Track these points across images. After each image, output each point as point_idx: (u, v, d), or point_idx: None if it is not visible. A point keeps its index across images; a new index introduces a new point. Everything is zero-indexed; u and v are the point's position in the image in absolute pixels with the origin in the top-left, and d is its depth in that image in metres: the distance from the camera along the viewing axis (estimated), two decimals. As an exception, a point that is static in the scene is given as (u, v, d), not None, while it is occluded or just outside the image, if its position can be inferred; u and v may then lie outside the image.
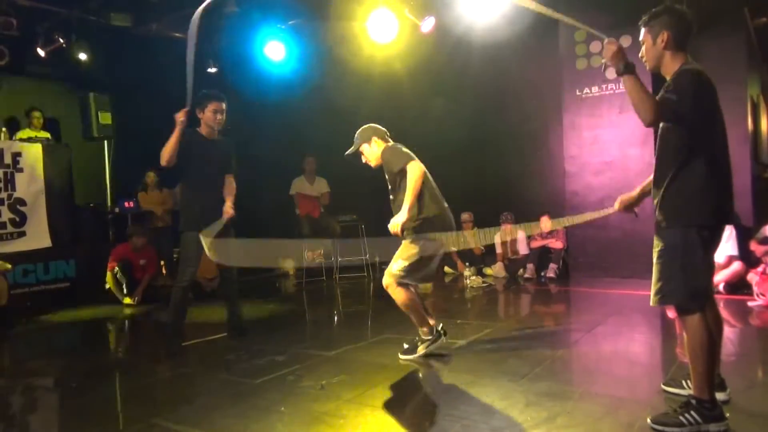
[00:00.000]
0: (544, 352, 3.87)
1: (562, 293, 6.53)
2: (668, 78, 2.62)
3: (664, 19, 2.64)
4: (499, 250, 7.75)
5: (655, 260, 2.60)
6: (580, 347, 4.20)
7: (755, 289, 5.12)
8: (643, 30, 2.73)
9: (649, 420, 2.59)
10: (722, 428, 2.48)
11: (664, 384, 3.07)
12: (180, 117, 4.21)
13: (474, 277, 7.04)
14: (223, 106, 4.41)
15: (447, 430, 2.64)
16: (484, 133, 8.11)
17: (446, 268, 8.07)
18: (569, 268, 7.33)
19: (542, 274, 7.29)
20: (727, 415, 2.51)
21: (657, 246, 2.60)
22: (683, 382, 2.91)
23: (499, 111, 8.05)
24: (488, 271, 7.69)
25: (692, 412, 2.49)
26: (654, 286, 2.59)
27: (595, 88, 7.08)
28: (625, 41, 6.85)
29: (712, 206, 2.50)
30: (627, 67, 2.53)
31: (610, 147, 7.04)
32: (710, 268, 2.63)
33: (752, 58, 6.89)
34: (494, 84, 7.93)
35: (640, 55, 2.80)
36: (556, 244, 7.30)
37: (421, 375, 3.51)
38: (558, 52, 7.34)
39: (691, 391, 2.62)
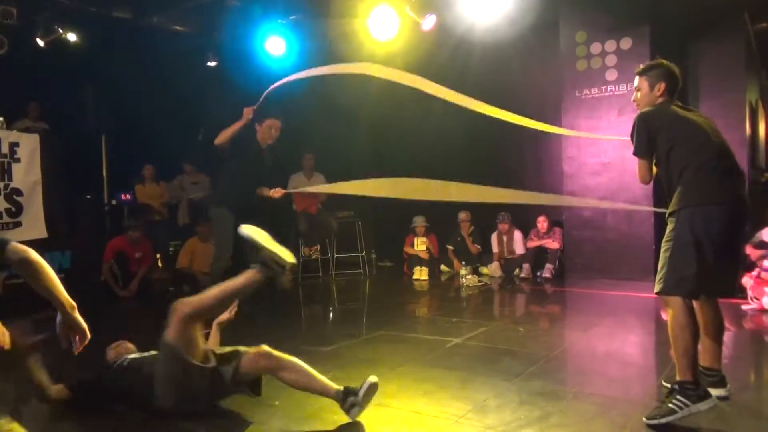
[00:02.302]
0: (538, 352, 3.88)
1: (557, 293, 6.55)
2: None
3: (661, 71, 2.97)
4: (495, 249, 7.76)
5: (662, 246, 2.82)
6: (575, 347, 4.22)
7: (749, 292, 5.14)
8: (639, 78, 3.04)
9: (644, 419, 2.62)
10: (712, 404, 2.57)
11: (664, 380, 3.12)
12: (248, 113, 4.62)
13: (470, 276, 7.04)
14: (279, 124, 4.84)
15: (441, 428, 2.65)
16: (482, 132, 8.08)
17: (443, 267, 8.08)
18: (565, 268, 7.35)
19: (538, 274, 7.31)
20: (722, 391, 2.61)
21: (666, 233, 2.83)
22: None
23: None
24: (484, 270, 7.70)
25: (679, 397, 2.58)
26: (657, 275, 2.78)
27: (594, 90, 7.09)
28: (626, 44, 6.87)
29: (700, 203, 2.67)
30: None
31: (608, 148, 7.06)
32: (704, 263, 2.62)
33: (751, 63, 6.91)
34: (494, 83, 7.92)
35: (632, 99, 3.11)
36: (553, 244, 7.31)
37: (415, 372, 3.51)
38: (559, 53, 7.34)
39: None
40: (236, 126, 4.60)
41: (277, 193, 4.75)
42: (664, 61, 3.00)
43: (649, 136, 2.83)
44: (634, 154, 2.93)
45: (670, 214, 2.78)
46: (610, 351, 4.13)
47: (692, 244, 2.63)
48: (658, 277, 2.76)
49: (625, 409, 2.82)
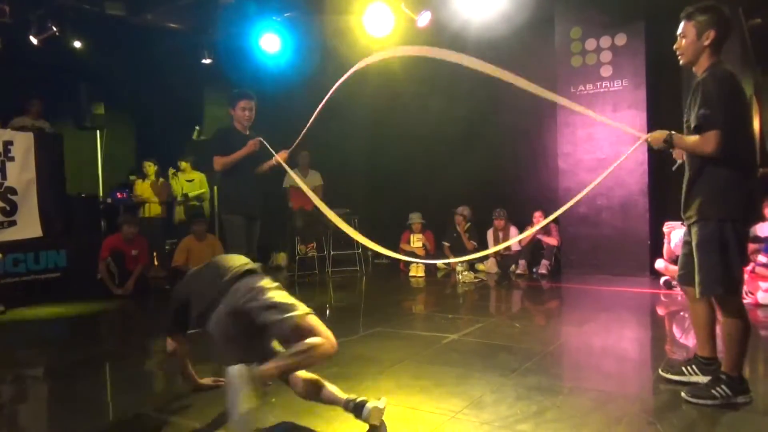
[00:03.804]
0: (534, 348, 3.90)
1: (553, 289, 6.57)
2: (698, 75, 2.72)
3: (712, 17, 2.68)
4: (491, 245, 7.77)
5: (694, 253, 2.73)
6: (571, 343, 4.23)
7: (744, 287, 5.16)
8: (685, 23, 2.74)
9: (683, 394, 2.75)
10: (748, 399, 2.70)
11: (662, 370, 3.15)
12: (254, 145, 4.62)
13: (466, 273, 7.06)
14: (252, 103, 4.78)
15: (437, 424, 2.65)
16: (478, 129, 8.11)
17: (439, 264, 8.09)
18: (561, 264, 7.37)
19: (534, 270, 7.33)
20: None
21: (693, 239, 2.74)
22: (683, 369, 3.03)
23: (494, 107, 8.05)
24: (480, 266, 7.72)
25: (723, 387, 2.69)
26: (697, 278, 2.71)
27: (589, 86, 7.10)
28: (620, 40, 6.89)
29: (743, 200, 2.64)
30: (668, 143, 2.76)
31: (603, 144, 7.08)
32: (743, 261, 2.74)
33: (746, 58, 6.92)
34: (489, 80, 7.89)
35: (675, 47, 2.81)
36: (551, 240, 7.32)
37: (412, 369, 3.52)
38: (554, 49, 7.35)
39: (692, 378, 2.92)
40: (239, 155, 4.59)
41: (282, 156, 4.72)
42: (718, 5, 2.70)
43: (732, 102, 2.57)
44: (712, 125, 2.53)
45: (712, 214, 2.65)
46: (606, 346, 4.15)
47: (736, 243, 2.63)
48: (705, 280, 2.67)
49: (621, 404, 2.84)
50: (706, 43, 2.68)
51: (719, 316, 2.79)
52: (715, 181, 2.64)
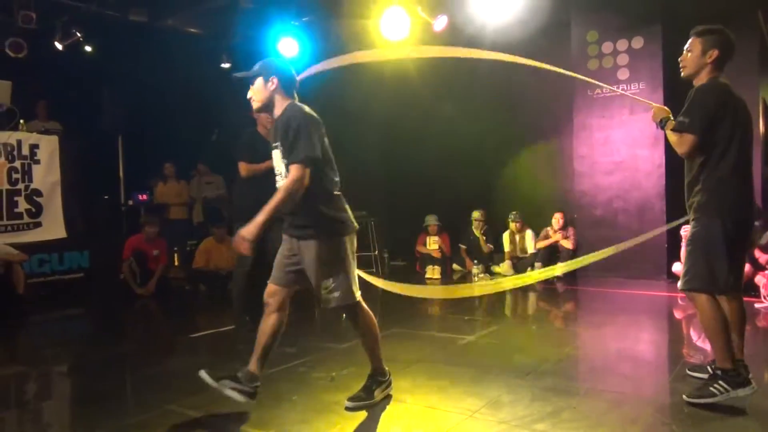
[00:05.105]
0: (550, 350, 3.93)
1: (569, 292, 6.57)
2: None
3: (718, 37, 2.87)
4: (507, 248, 7.79)
5: (683, 248, 2.92)
6: (587, 345, 4.25)
7: (762, 291, 5.14)
8: (693, 38, 2.92)
9: (684, 397, 2.80)
10: (750, 392, 2.74)
11: (689, 369, 3.27)
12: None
13: (482, 275, 7.08)
14: None
15: (455, 422, 2.70)
16: (494, 132, 8.12)
17: (455, 266, 8.12)
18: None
19: (550, 273, 7.32)
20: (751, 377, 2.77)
21: (687, 236, 2.92)
22: (708, 367, 3.11)
23: (510, 110, 8.07)
24: (496, 269, 7.73)
25: (720, 382, 2.74)
26: (682, 271, 2.89)
27: (606, 89, 7.09)
28: (637, 43, 6.88)
29: (733, 202, 2.78)
30: (663, 122, 2.99)
31: (620, 147, 7.06)
32: (734, 259, 2.80)
33: (764, 61, 6.88)
34: (505, 83, 7.95)
35: (680, 59, 2.99)
36: (567, 243, 7.31)
37: (428, 369, 3.56)
38: (570, 53, 7.35)
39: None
40: (266, 166, 4.64)
41: None
42: (725, 29, 2.88)
43: (716, 114, 2.73)
44: (688, 130, 2.74)
45: (702, 214, 2.81)
46: (621, 349, 4.15)
47: (723, 243, 2.74)
48: (686, 274, 2.84)
49: (636, 405, 2.86)
50: (709, 60, 2.85)
51: (697, 310, 2.88)
52: (708, 183, 2.80)
